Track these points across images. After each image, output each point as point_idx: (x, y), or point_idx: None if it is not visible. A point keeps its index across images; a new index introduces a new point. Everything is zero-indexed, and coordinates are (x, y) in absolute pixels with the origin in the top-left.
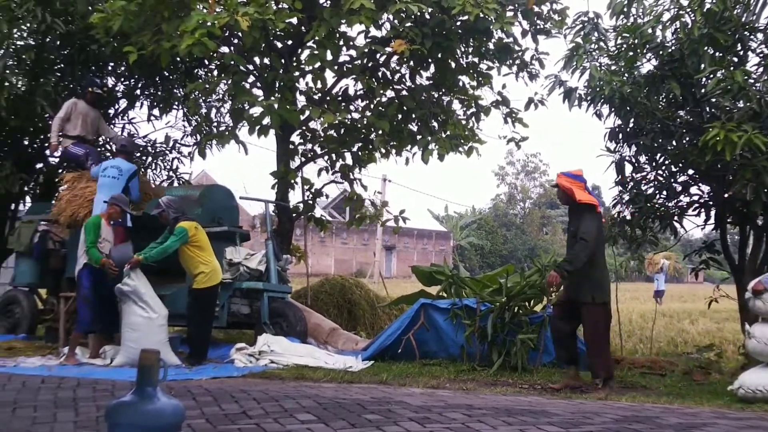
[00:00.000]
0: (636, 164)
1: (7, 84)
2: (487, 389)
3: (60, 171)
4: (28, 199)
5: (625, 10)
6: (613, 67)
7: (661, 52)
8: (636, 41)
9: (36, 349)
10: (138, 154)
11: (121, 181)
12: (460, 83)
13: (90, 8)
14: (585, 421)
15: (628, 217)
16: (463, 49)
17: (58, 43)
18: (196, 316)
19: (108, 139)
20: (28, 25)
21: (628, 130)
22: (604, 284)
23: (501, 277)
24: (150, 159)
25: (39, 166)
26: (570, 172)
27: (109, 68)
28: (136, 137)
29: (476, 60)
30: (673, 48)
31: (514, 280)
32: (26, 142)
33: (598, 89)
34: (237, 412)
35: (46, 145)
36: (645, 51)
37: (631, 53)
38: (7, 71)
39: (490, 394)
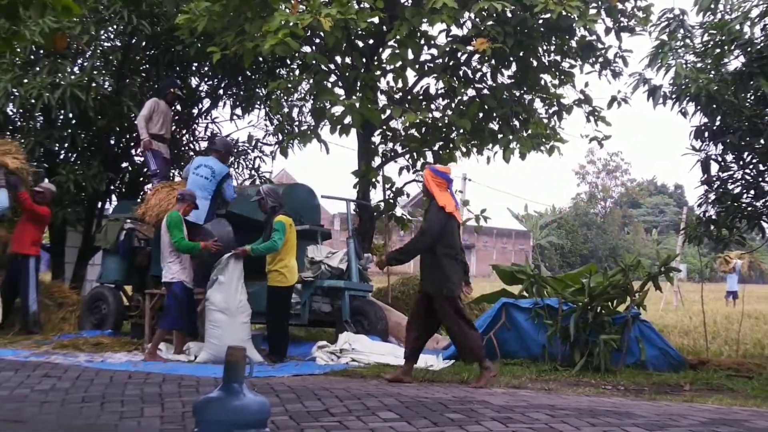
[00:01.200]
0: (722, 163)
1: (94, 85)
2: (569, 390)
3: (145, 170)
4: (114, 197)
5: (712, 6)
6: (699, 65)
7: (749, 49)
8: (723, 38)
9: (122, 344)
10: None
11: (212, 183)
12: (542, 81)
13: (176, 10)
14: (671, 423)
15: (714, 217)
16: (545, 47)
17: (144, 44)
18: (272, 314)
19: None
20: (115, 26)
21: (715, 128)
22: (450, 278)
23: (583, 276)
24: (232, 158)
25: (125, 165)
26: (437, 169)
27: (193, 68)
28: (219, 136)
29: (558, 58)
30: (761, 45)
31: (597, 279)
32: (112, 142)
33: (683, 87)
34: (320, 409)
35: (132, 144)
36: (732, 48)
37: (718, 50)
38: (95, 72)
39: (572, 394)
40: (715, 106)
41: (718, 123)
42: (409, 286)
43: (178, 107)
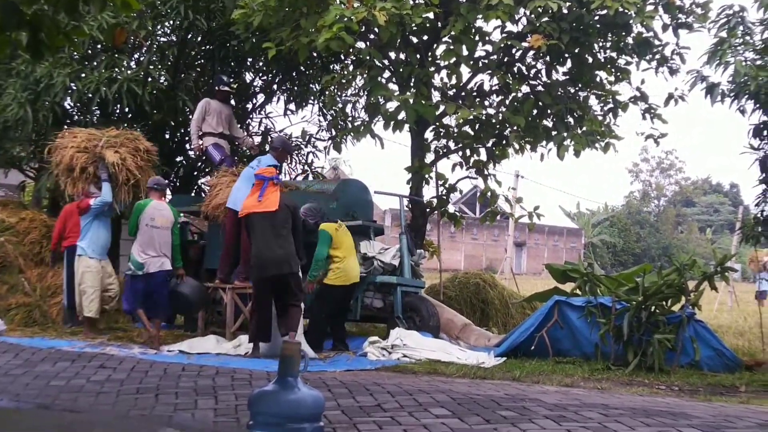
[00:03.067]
0: None
1: (150, 79)
2: (622, 389)
3: (199, 165)
4: (168, 191)
5: None
6: (759, 62)
7: None
8: None
9: (176, 337)
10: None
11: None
12: (598, 78)
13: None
14: (726, 424)
15: None
16: (601, 44)
17: (200, 39)
18: (315, 308)
19: (236, 140)
20: (172, 22)
21: None
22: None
23: (637, 275)
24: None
25: (179, 159)
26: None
27: (248, 63)
28: (273, 131)
29: (614, 55)
30: None
31: (651, 279)
32: (168, 136)
33: (742, 85)
34: (372, 404)
35: (187, 138)
36: None
37: None
38: (151, 67)
39: (625, 394)
40: None
41: None
42: (461, 282)
43: (233, 102)
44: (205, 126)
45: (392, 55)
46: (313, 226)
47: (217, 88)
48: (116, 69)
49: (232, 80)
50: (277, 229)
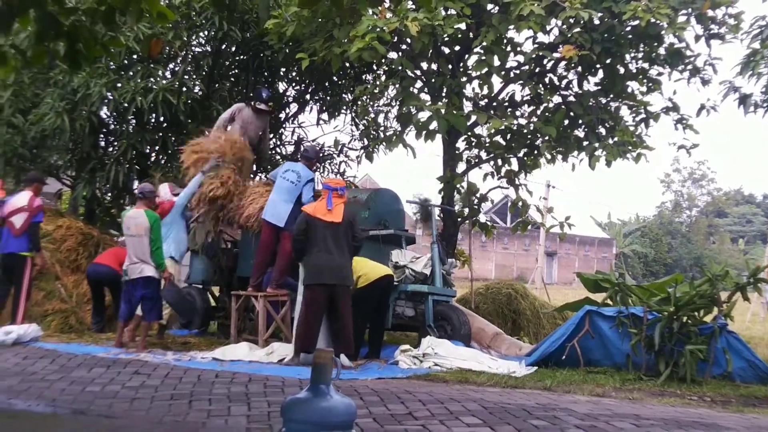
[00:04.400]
0: None
1: (185, 89)
2: (654, 399)
3: None
4: None
5: None
6: None
7: None
8: None
9: (209, 344)
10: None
11: (297, 188)
12: (629, 89)
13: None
14: None
15: None
16: (632, 55)
17: (234, 49)
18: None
19: (259, 151)
20: (206, 32)
21: None
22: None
23: (669, 286)
24: (319, 164)
25: None
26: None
27: (281, 73)
28: (305, 140)
29: (646, 65)
30: None
31: (683, 289)
32: None
33: None
34: (403, 412)
35: None
36: None
37: None
38: (186, 77)
39: (657, 404)
40: None
41: None
42: (493, 291)
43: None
44: (229, 128)
45: (424, 65)
46: None
47: (253, 104)
48: (152, 79)
49: (270, 95)
50: (339, 240)
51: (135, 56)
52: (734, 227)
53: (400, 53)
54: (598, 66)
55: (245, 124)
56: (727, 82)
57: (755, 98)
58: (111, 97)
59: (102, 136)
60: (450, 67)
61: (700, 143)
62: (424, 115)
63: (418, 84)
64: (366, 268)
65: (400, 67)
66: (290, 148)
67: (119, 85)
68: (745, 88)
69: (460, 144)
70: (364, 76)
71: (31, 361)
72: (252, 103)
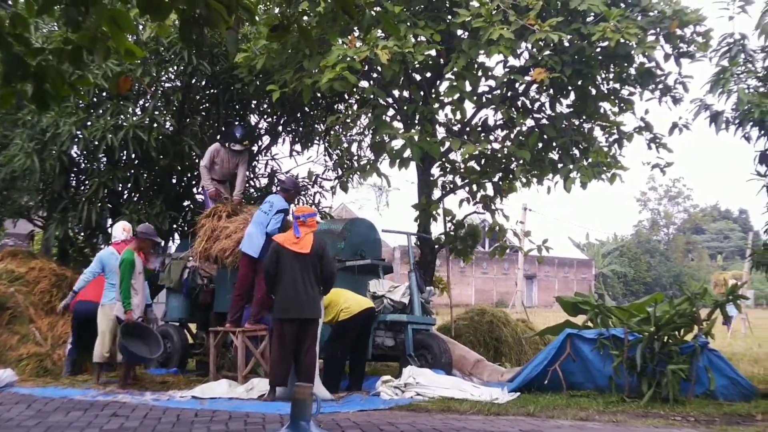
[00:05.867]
0: None
1: (156, 125)
2: (638, 421)
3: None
4: (176, 236)
5: None
6: (762, 89)
7: None
8: None
9: (188, 382)
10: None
11: (269, 216)
12: (602, 110)
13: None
14: None
15: None
16: (603, 75)
17: (204, 83)
18: (329, 348)
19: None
20: (176, 67)
21: None
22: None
23: (648, 305)
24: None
25: (186, 203)
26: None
27: (252, 106)
28: (279, 173)
29: (618, 86)
30: None
31: (663, 308)
32: (174, 181)
33: (746, 112)
34: None
35: (194, 183)
36: None
37: None
38: (156, 113)
39: (641, 426)
40: None
41: None
42: (474, 320)
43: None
44: (211, 173)
45: (396, 93)
46: None
47: (227, 145)
48: (122, 116)
49: (244, 133)
50: (307, 271)
51: (104, 94)
52: (712, 243)
53: (371, 82)
54: (569, 88)
55: (223, 163)
56: (698, 100)
57: (726, 115)
58: (81, 136)
59: (73, 175)
60: (422, 93)
61: (675, 161)
62: (397, 143)
63: (391, 112)
64: (349, 301)
65: (371, 96)
66: (264, 181)
67: (89, 123)
68: (716, 106)
69: (435, 170)
70: (336, 106)
71: (6, 407)
72: (227, 145)
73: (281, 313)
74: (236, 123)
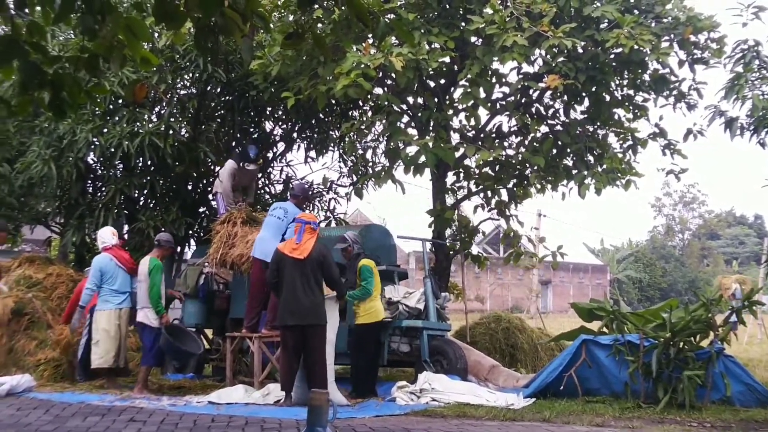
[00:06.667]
0: None
1: (171, 132)
2: (654, 427)
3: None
4: (192, 242)
5: None
6: None
7: None
8: None
9: (204, 387)
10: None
11: (284, 222)
12: (616, 116)
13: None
14: None
15: None
16: (617, 82)
17: (219, 90)
18: (359, 355)
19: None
20: (191, 74)
21: None
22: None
23: (664, 311)
24: (309, 203)
25: (202, 210)
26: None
27: (267, 113)
28: (294, 179)
29: (632, 92)
30: None
31: (679, 314)
32: (190, 187)
33: (761, 118)
34: None
35: (209, 189)
36: None
37: None
38: (172, 120)
39: None
40: None
41: None
42: (491, 327)
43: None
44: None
45: (410, 99)
46: (353, 256)
47: (242, 164)
48: (138, 123)
49: (257, 153)
50: (306, 278)
51: (120, 101)
52: (727, 249)
53: (385, 89)
54: (583, 94)
55: (240, 178)
56: (713, 106)
57: (741, 121)
58: (97, 143)
59: (89, 182)
60: (436, 100)
61: (689, 167)
62: (412, 150)
63: (405, 119)
64: (378, 303)
65: (386, 103)
66: (279, 187)
67: (105, 130)
68: (731, 112)
69: (450, 177)
70: (350, 113)
71: (24, 412)
72: (241, 164)
73: (282, 321)
74: (250, 142)
